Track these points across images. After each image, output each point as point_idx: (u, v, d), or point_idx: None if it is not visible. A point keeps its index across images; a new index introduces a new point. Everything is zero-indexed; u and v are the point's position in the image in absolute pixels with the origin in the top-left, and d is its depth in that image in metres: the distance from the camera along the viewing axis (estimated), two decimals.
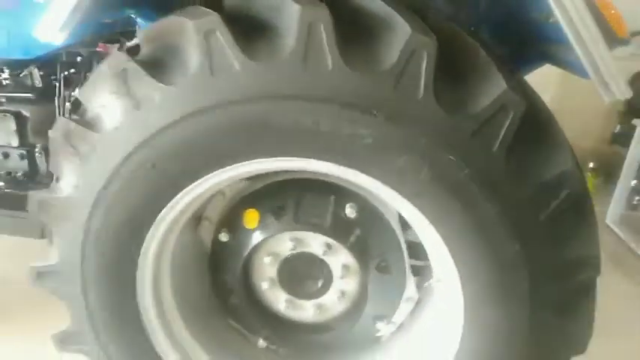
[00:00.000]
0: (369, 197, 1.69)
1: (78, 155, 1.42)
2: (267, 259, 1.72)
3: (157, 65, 1.37)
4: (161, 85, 1.34)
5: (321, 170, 1.42)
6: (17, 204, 2.50)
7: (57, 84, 2.45)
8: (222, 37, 1.28)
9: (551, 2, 1.29)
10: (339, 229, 1.65)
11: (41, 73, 2.51)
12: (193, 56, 1.32)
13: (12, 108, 2.51)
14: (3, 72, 2.43)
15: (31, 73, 2.48)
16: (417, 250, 1.75)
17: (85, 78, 2.54)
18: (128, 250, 1.52)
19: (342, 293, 1.76)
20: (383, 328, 1.82)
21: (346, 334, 1.84)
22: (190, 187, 1.45)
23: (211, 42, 1.29)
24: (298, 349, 1.87)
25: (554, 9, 1.29)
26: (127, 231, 1.49)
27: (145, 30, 1.53)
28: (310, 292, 1.76)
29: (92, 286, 1.56)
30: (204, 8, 1.42)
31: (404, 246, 1.72)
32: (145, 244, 1.52)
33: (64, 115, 2.49)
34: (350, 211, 1.66)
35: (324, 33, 1.25)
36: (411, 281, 1.77)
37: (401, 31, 1.27)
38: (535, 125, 1.35)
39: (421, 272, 1.82)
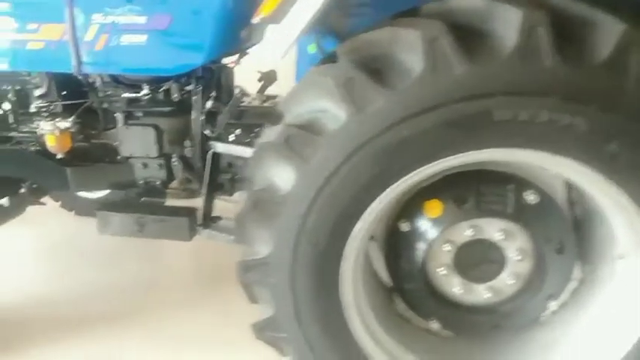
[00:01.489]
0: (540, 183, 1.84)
1: (300, 157, 1.58)
2: (445, 246, 1.87)
3: (373, 73, 1.53)
4: (384, 89, 1.50)
5: (527, 160, 1.56)
6: (166, 210, 2.71)
7: (194, 97, 2.63)
8: (446, 43, 1.44)
9: None
10: (519, 215, 1.80)
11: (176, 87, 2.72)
12: (415, 62, 1.48)
13: (150, 121, 2.71)
14: (142, 88, 2.63)
15: (169, 88, 2.69)
16: (581, 228, 1.89)
17: (218, 90, 2.75)
18: (337, 240, 1.67)
19: (517, 275, 1.90)
20: (552, 307, 1.95)
21: (515, 315, 1.97)
22: (398, 182, 1.60)
23: (435, 48, 1.44)
24: (467, 329, 2.01)
25: None
26: (339, 223, 1.64)
27: (347, 44, 1.67)
28: (485, 276, 1.91)
29: (301, 275, 1.72)
30: (412, 18, 1.58)
31: (572, 226, 1.85)
32: (351, 235, 1.68)
33: (201, 126, 2.69)
34: (530, 197, 1.80)
35: (544, 34, 1.41)
36: (577, 261, 1.91)
37: (609, 29, 1.41)
38: None
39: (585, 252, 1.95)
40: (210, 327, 2.91)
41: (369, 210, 1.63)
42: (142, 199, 2.78)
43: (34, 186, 3.11)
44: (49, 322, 3.00)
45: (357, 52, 1.61)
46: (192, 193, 2.88)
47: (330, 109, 1.56)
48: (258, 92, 3.19)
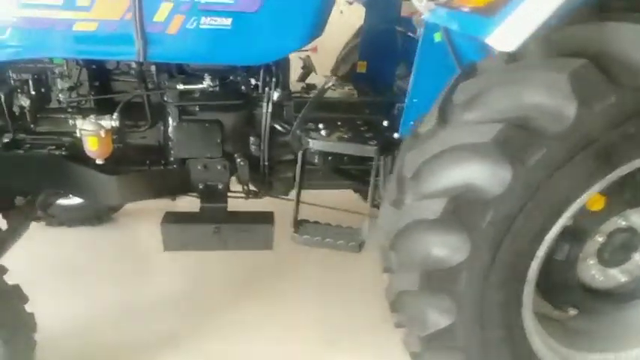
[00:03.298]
0: None
1: (516, 158, 1.44)
2: (598, 237, 1.90)
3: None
4: (614, 86, 1.42)
5: None
6: (242, 217, 2.37)
7: (265, 88, 2.31)
8: None
9: None
10: None
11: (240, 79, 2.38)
12: None
13: (211, 117, 2.34)
14: (204, 79, 2.24)
15: (237, 80, 2.33)
16: None
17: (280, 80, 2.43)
18: (536, 242, 1.61)
19: None
20: None
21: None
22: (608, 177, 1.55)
23: None
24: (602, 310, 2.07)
25: None
26: (545, 224, 1.58)
27: (545, 38, 1.54)
28: (622, 260, 1.97)
29: (494, 278, 1.60)
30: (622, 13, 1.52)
31: None
32: (549, 233, 1.62)
33: (267, 120, 2.38)
34: None
35: None
36: None
37: None
38: None
39: None
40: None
41: (573, 207, 1.60)
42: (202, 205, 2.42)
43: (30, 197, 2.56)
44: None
45: (567, 46, 1.52)
46: (255, 195, 2.59)
47: (550, 106, 1.46)
48: (298, 80, 2.95)
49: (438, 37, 1.99)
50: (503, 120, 1.51)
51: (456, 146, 1.58)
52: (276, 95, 2.33)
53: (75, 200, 3.39)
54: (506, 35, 1.43)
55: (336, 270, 3.12)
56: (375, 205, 2.38)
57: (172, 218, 2.26)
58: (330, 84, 2.32)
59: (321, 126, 2.31)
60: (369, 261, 2.30)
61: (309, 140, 2.17)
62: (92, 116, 2.16)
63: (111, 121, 2.16)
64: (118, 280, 3.06)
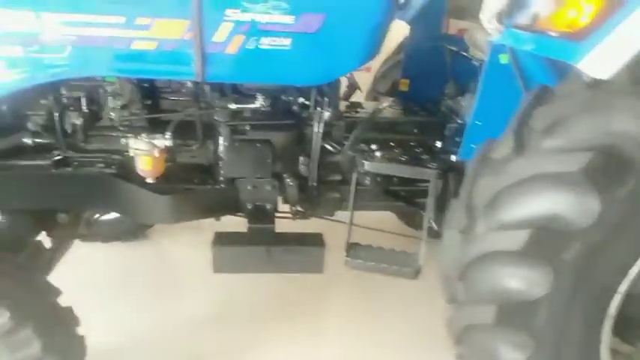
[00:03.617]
0: None
1: (604, 188, 1.39)
2: None
3: None
4: None
5: None
6: (291, 239, 2.31)
7: (317, 108, 2.27)
8: None
9: None
10: None
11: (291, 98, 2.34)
12: None
13: (261, 136, 2.30)
14: (257, 99, 2.21)
15: (288, 100, 2.29)
16: None
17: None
18: (620, 274, 1.53)
19: None
20: None
21: None
22: None
23: None
24: None
25: None
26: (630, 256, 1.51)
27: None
28: None
29: (574, 315, 1.54)
30: None
31: None
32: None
33: (318, 140, 2.33)
34: None
35: None
36: None
37: None
38: None
39: None
40: None
41: None
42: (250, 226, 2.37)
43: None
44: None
45: None
46: (302, 216, 2.54)
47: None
48: (342, 99, 2.90)
49: (504, 58, 1.94)
50: (589, 148, 1.44)
51: (537, 175, 1.51)
52: (327, 115, 2.30)
53: (111, 215, 3.38)
54: (600, 62, 1.38)
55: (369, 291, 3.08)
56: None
57: (223, 240, 2.21)
58: (385, 104, 2.27)
59: (373, 147, 2.26)
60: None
61: (365, 162, 2.12)
62: (145, 135, 2.14)
63: (164, 141, 2.14)
64: (155, 296, 3.03)
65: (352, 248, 2.21)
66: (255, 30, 1.92)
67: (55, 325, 1.74)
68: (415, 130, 2.47)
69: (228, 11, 1.87)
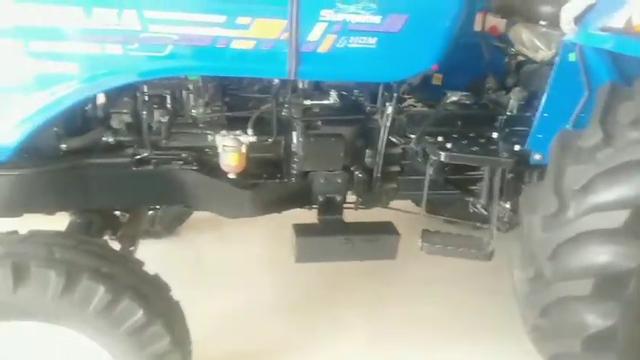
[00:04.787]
0: None
1: None
2: None
3: None
4: None
5: None
6: (367, 228, 2.43)
7: (386, 104, 2.38)
8: None
9: None
10: None
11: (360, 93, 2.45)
12: None
13: (333, 131, 2.40)
14: (331, 95, 2.30)
15: (359, 95, 2.39)
16: None
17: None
18: None
19: None
20: None
21: None
22: None
23: None
24: None
25: None
26: None
27: None
28: None
29: None
30: None
31: None
32: None
33: (385, 133, 2.45)
34: None
35: None
36: None
37: None
38: None
39: None
40: None
41: None
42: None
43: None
44: None
45: None
46: (365, 206, 2.65)
47: None
48: None
49: (572, 57, 2.13)
50: None
51: (630, 161, 1.71)
52: (390, 108, 2.42)
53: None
54: None
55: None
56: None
57: (305, 231, 2.29)
58: (453, 98, 2.42)
59: (440, 139, 2.42)
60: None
61: (442, 153, 2.26)
62: (226, 132, 2.19)
63: (249, 137, 2.20)
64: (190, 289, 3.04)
65: (425, 234, 2.37)
66: (346, 30, 2.00)
67: (177, 320, 1.78)
68: (474, 123, 2.60)
69: (324, 12, 1.95)
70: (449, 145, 2.34)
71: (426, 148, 2.34)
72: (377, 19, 2.02)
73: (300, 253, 2.27)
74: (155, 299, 1.69)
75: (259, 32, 1.94)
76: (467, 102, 2.45)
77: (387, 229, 2.40)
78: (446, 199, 2.92)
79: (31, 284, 1.50)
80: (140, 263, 1.81)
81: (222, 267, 3.36)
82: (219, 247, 3.57)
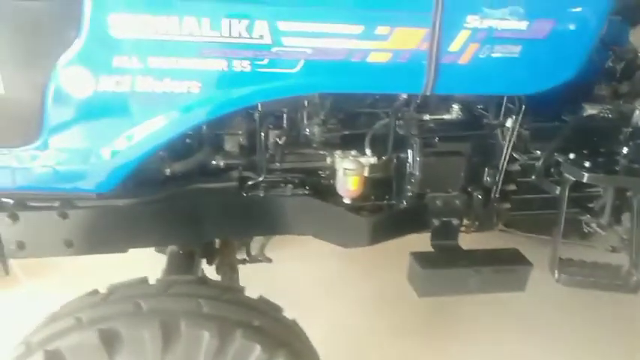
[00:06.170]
0: None
1: None
2: None
3: None
4: None
5: None
6: (494, 257, 2.19)
7: (508, 118, 2.15)
8: None
9: None
10: None
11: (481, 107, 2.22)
12: None
13: (454, 149, 2.17)
14: (452, 110, 2.08)
15: (478, 109, 2.17)
16: None
17: None
18: None
19: None
20: None
21: None
22: None
23: None
24: None
25: None
26: None
27: None
28: None
29: None
30: None
31: None
32: None
33: (508, 150, 2.21)
34: None
35: None
36: None
37: None
38: None
39: None
40: None
41: None
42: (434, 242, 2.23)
43: None
44: None
45: None
46: (478, 229, 2.42)
47: None
48: None
49: None
50: None
51: None
52: (509, 122, 2.18)
53: None
54: None
55: None
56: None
57: (428, 262, 2.05)
58: (591, 111, 2.19)
59: (572, 156, 2.18)
60: None
61: (586, 174, 2.03)
62: (346, 152, 1.97)
63: (370, 159, 1.97)
64: None
65: (561, 264, 2.12)
66: (491, 37, 1.77)
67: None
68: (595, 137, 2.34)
69: (469, 18, 1.72)
70: (587, 164, 2.11)
71: (561, 167, 2.11)
72: (523, 25, 1.78)
73: (423, 287, 2.04)
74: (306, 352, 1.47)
75: (397, 43, 1.71)
76: (609, 115, 2.21)
77: (517, 258, 2.15)
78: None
79: (182, 346, 1.27)
80: (279, 309, 1.59)
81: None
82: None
